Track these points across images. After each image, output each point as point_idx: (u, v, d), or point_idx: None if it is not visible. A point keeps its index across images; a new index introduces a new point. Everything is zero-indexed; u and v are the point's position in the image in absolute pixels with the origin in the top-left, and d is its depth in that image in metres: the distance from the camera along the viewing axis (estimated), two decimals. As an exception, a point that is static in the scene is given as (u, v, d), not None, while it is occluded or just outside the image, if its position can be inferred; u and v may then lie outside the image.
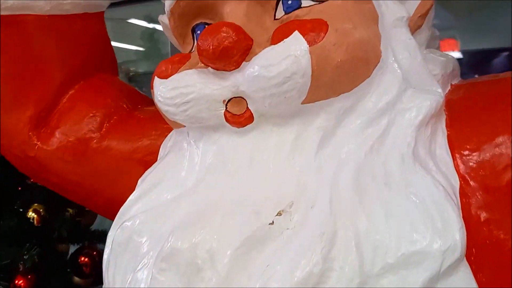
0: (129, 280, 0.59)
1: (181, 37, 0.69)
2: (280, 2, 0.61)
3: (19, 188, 1.17)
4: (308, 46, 0.53)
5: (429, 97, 0.59)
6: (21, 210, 1.15)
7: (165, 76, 0.61)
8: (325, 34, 0.54)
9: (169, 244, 0.55)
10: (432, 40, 0.75)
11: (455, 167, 0.58)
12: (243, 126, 0.59)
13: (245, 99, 0.58)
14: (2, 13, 0.77)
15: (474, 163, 0.58)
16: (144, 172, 0.72)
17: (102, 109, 0.84)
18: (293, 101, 0.55)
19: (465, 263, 0.52)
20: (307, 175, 0.56)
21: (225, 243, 0.52)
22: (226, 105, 0.59)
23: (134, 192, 0.68)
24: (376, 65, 0.58)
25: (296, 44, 0.54)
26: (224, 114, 0.59)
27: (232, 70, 0.57)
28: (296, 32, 0.54)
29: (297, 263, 0.49)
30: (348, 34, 0.55)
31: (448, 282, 0.50)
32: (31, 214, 1.13)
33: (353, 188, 0.53)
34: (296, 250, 0.50)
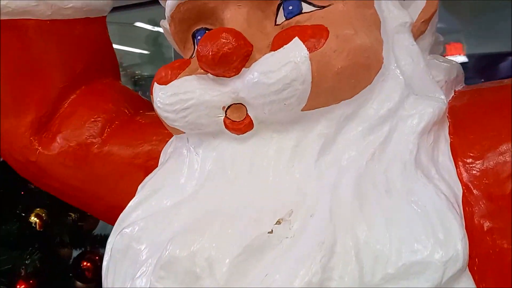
0: (128, 287, 0.59)
1: (182, 42, 0.69)
2: (281, 7, 0.61)
3: (22, 193, 1.17)
4: (308, 52, 0.53)
5: (431, 104, 0.58)
6: (23, 214, 1.15)
7: (164, 82, 0.61)
8: (325, 40, 0.53)
9: (168, 252, 0.54)
10: (436, 45, 0.74)
11: (458, 175, 0.57)
12: (243, 133, 0.58)
13: (245, 106, 0.57)
14: (3, 17, 0.77)
15: (477, 171, 0.57)
16: (144, 177, 0.71)
17: (103, 114, 0.84)
18: (293, 108, 0.55)
19: (467, 273, 0.51)
20: (307, 182, 0.55)
21: (224, 251, 0.52)
22: (226, 111, 0.58)
23: (134, 199, 0.67)
24: (378, 71, 0.58)
25: (296, 51, 0.53)
26: (224, 121, 0.58)
27: (232, 76, 0.56)
28: (296, 38, 0.53)
29: (296, 272, 0.49)
30: (349, 40, 0.55)
31: (450, 293, 0.49)
32: (33, 218, 1.13)
33: (354, 196, 0.52)
34: (295, 259, 0.50)
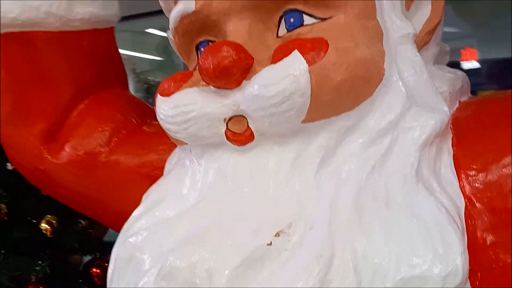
0: (131, 296, 0.60)
1: (186, 54, 0.70)
2: (283, 19, 0.61)
3: (33, 200, 1.18)
4: (307, 65, 0.53)
5: (433, 116, 0.57)
6: (34, 221, 1.17)
7: (167, 94, 0.62)
8: (325, 53, 0.54)
9: (169, 262, 0.55)
10: (441, 56, 0.74)
11: (460, 188, 0.57)
12: (244, 145, 0.59)
13: (246, 118, 0.58)
14: (13, 29, 0.78)
15: (480, 184, 0.56)
16: (150, 186, 0.72)
17: (110, 124, 0.85)
18: (292, 120, 0.55)
19: (468, 288, 0.50)
20: (307, 194, 0.55)
21: (224, 262, 0.52)
22: (227, 123, 0.59)
23: (137, 208, 0.68)
24: (379, 83, 0.58)
25: (295, 64, 0.53)
26: (225, 133, 0.59)
27: (233, 88, 0.57)
28: (296, 51, 0.54)
29: (294, 284, 0.49)
30: (349, 53, 0.55)
31: (449, 308, 0.49)
32: (44, 225, 1.15)
33: (353, 209, 0.52)
34: (293, 272, 0.50)
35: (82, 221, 1.22)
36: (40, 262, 1.10)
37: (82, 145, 0.84)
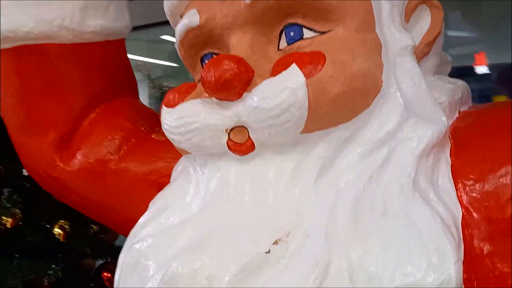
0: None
1: (191, 66, 0.72)
2: (283, 33, 0.63)
3: (46, 205, 1.22)
4: (305, 78, 0.55)
5: (431, 126, 0.58)
6: (47, 226, 1.20)
7: (172, 105, 0.64)
8: (322, 67, 0.55)
9: (171, 269, 0.57)
10: (443, 66, 0.74)
11: (458, 197, 0.58)
12: (245, 154, 0.60)
13: (247, 128, 0.59)
14: (27, 42, 0.81)
15: (477, 193, 0.57)
16: (157, 193, 0.74)
17: (120, 132, 0.88)
18: (291, 132, 0.57)
19: (463, 297, 0.51)
20: (306, 204, 0.57)
21: (223, 269, 0.54)
22: (229, 133, 0.60)
23: (144, 215, 0.70)
24: (376, 95, 0.59)
25: (293, 77, 0.55)
26: (227, 143, 0.61)
27: (234, 100, 0.59)
28: (294, 64, 0.55)
29: (291, 292, 0.50)
30: (346, 66, 0.56)
31: (444, 316, 0.49)
32: (56, 230, 1.18)
33: (350, 219, 0.54)
34: (290, 279, 0.51)
35: (93, 226, 1.25)
36: (53, 266, 1.13)
37: (93, 153, 0.86)
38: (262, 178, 0.60)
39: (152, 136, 0.89)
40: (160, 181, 0.80)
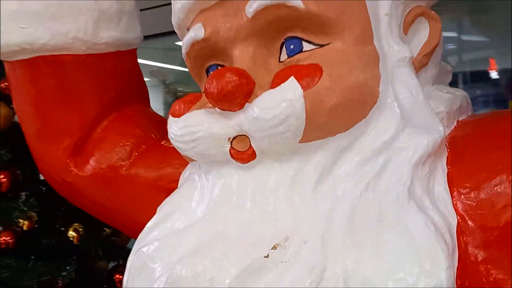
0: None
1: (197, 76, 0.75)
2: (284, 46, 0.65)
3: (62, 209, 1.26)
4: (302, 90, 0.57)
5: (426, 136, 0.60)
6: (62, 229, 1.24)
7: (178, 115, 0.67)
8: (319, 79, 0.58)
9: (176, 272, 0.59)
10: (443, 75, 0.76)
11: (453, 205, 0.59)
12: (247, 162, 0.63)
13: (248, 137, 0.62)
14: (43, 54, 0.85)
15: (472, 201, 0.59)
16: (165, 198, 0.77)
17: (131, 139, 0.91)
18: (290, 141, 0.59)
19: (456, 302, 0.53)
20: (304, 210, 0.59)
21: (224, 273, 0.56)
22: (232, 142, 0.63)
23: (151, 220, 0.73)
24: (373, 106, 0.61)
25: (291, 89, 0.58)
26: (230, 151, 0.63)
27: (236, 110, 0.61)
28: (292, 77, 0.58)
29: (288, 295, 0.52)
30: (342, 78, 0.58)
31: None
32: (71, 233, 1.22)
33: (346, 225, 0.56)
34: (288, 282, 0.54)
35: (106, 229, 1.28)
36: (67, 267, 1.17)
37: (105, 159, 0.90)
38: (263, 185, 0.62)
39: (162, 143, 0.92)
40: (169, 187, 0.83)
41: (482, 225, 0.57)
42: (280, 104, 0.57)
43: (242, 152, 0.62)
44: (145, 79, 1.00)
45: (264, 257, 0.56)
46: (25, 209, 1.21)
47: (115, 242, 1.34)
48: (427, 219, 0.55)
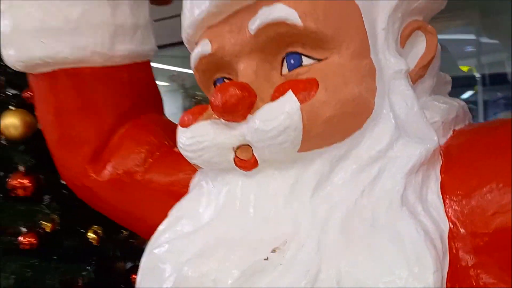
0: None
1: (206, 89, 0.80)
2: (285, 60, 0.69)
3: (82, 212, 1.31)
4: (299, 104, 0.61)
5: (419, 146, 0.63)
6: (82, 231, 1.30)
7: (186, 125, 0.71)
8: (315, 93, 0.61)
9: (183, 272, 0.64)
10: (442, 85, 0.79)
11: (445, 212, 0.62)
12: (250, 170, 0.67)
13: (251, 147, 0.66)
14: (64, 67, 0.91)
15: (464, 208, 0.61)
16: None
17: (146, 146, 0.96)
18: (288, 151, 0.63)
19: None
20: (302, 216, 0.63)
21: (227, 274, 0.61)
22: (236, 151, 0.67)
23: (162, 223, 0.78)
24: (368, 117, 0.64)
25: (289, 102, 0.61)
26: (234, 159, 0.67)
27: (240, 121, 0.66)
28: (290, 91, 0.62)
29: (285, 295, 0.56)
30: (337, 91, 0.62)
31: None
32: (91, 235, 1.28)
33: (341, 230, 0.59)
34: (285, 284, 0.58)
35: (124, 231, 1.34)
36: (87, 267, 1.22)
37: (121, 165, 0.95)
38: (264, 191, 0.66)
39: (175, 150, 0.95)
40: (181, 192, 0.87)
41: (473, 231, 0.60)
42: (279, 116, 0.61)
43: (245, 160, 0.67)
44: (165, 84, 1.04)
45: (264, 259, 0.60)
46: (48, 212, 1.27)
47: (133, 243, 1.40)
48: (418, 225, 0.58)
